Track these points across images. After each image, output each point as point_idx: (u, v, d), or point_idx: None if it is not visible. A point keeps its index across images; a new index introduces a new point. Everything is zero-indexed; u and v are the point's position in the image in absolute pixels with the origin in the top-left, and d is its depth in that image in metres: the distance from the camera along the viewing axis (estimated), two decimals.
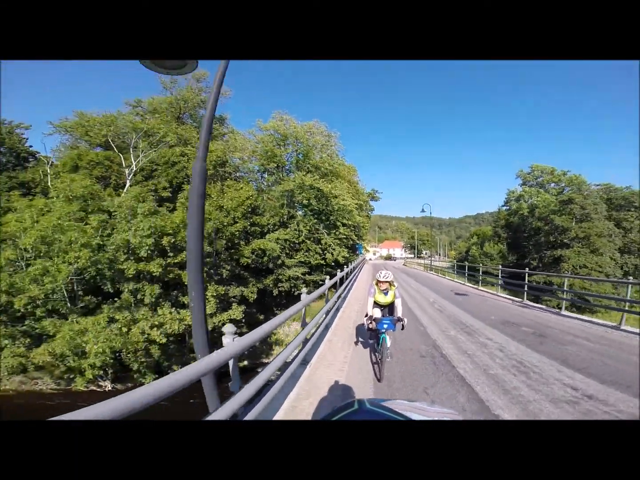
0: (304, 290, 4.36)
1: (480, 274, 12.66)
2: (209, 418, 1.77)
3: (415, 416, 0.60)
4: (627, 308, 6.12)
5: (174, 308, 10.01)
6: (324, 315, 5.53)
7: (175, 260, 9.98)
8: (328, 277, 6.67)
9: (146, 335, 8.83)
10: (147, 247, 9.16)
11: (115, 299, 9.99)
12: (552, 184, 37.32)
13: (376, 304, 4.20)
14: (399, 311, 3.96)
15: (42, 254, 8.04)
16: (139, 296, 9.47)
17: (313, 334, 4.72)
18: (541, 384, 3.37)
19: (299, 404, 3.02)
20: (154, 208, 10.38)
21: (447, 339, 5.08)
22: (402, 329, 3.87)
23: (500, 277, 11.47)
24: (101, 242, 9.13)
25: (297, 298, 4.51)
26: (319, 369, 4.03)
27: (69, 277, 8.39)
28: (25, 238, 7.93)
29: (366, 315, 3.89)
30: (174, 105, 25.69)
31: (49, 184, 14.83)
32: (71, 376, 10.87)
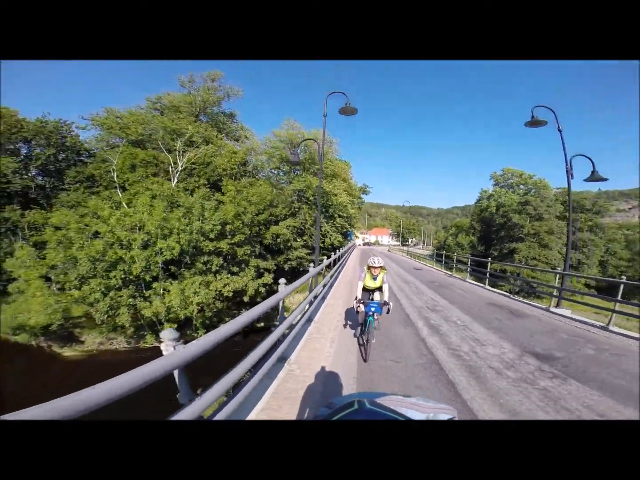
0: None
1: (435, 257, 18.07)
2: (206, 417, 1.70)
3: (411, 412, 0.64)
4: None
5: (229, 274, 15.02)
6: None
7: (232, 241, 14.84)
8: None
9: (217, 292, 13.78)
10: (216, 232, 14.00)
11: (182, 269, 14.80)
12: (521, 186, 43.11)
13: (365, 288, 4.38)
14: (385, 295, 4.16)
15: (155, 237, 12.76)
16: (207, 266, 14.40)
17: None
18: (422, 296, 8.70)
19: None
20: (217, 205, 15.18)
21: (395, 286, 10.37)
22: (388, 312, 4.10)
23: (443, 260, 17.03)
24: (184, 228, 13.93)
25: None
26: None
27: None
28: (147, 226, 12.57)
29: (355, 299, 4.12)
30: (193, 105, 29.48)
31: (115, 179, 19.06)
32: (143, 333, 14.90)
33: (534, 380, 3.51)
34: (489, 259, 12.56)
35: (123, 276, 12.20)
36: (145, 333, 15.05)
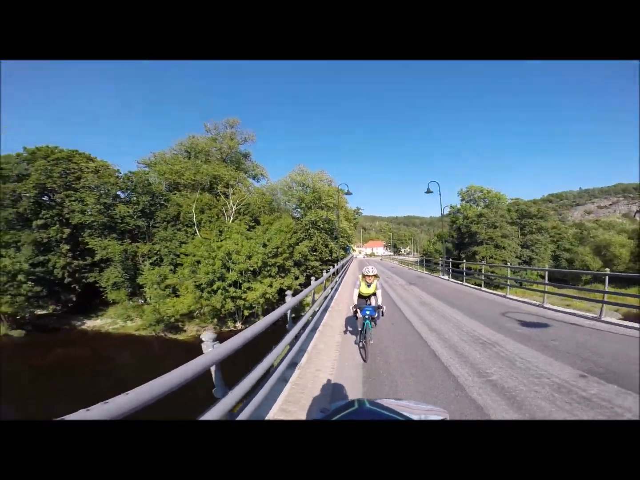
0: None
1: (419, 262, 28.96)
2: (208, 417, 1.90)
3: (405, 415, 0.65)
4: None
5: (281, 278, 25.52)
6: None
7: (282, 257, 25.37)
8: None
9: (279, 289, 24.25)
10: (273, 252, 24.56)
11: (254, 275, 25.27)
12: (485, 199, 54.67)
13: (360, 295, 5.07)
14: (379, 300, 4.87)
15: (246, 257, 23.23)
16: (269, 273, 24.87)
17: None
18: (387, 275, 19.53)
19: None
20: (270, 236, 25.85)
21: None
22: (382, 315, 4.78)
23: (424, 263, 27.91)
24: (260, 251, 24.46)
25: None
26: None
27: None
28: (244, 249, 23.06)
29: (353, 306, 4.80)
30: (221, 150, 40.10)
31: (194, 219, 29.41)
32: (226, 320, 25.36)
33: (404, 286, 14.16)
34: (450, 259, 23.34)
35: (233, 280, 22.71)
36: (227, 320, 25.28)
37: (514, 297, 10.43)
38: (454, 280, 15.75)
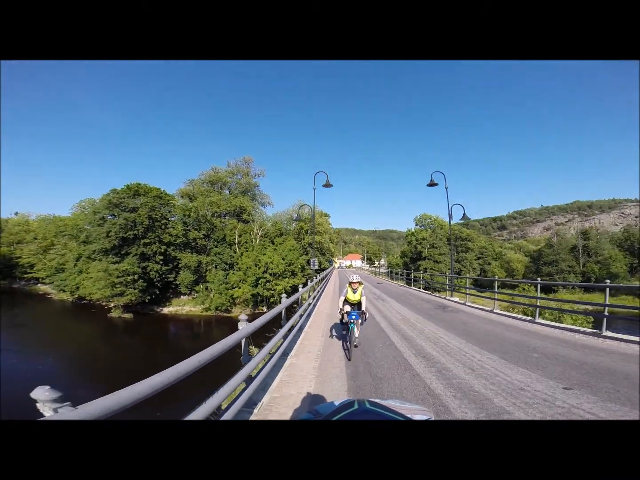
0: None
1: (387, 273, 49.58)
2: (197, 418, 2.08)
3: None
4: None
5: (293, 279, 44.80)
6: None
7: (294, 266, 44.63)
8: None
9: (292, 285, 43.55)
10: (288, 262, 43.92)
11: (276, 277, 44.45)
12: (432, 225, 76.31)
13: (346, 301, 5.65)
14: (363, 305, 5.49)
15: (276, 265, 42.31)
16: (286, 275, 44.16)
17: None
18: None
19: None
20: (286, 253, 45.24)
21: (345, 275, 41.35)
22: (365, 320, 5.39)
23: (388, 273, 48.45)
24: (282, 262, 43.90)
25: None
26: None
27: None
28: (275, 261, 42.14)
29: (340, 311, 5.34)
30: (241, 184, 59.37)
31: (236, 240, 48.62)
32: (258, 305, 44.36)
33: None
34: (404, 270, 43.56)
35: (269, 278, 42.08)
36: (259, 305, 44.33)
37: (399, 284, 30.87)
38: (389, 280, 36.01)
